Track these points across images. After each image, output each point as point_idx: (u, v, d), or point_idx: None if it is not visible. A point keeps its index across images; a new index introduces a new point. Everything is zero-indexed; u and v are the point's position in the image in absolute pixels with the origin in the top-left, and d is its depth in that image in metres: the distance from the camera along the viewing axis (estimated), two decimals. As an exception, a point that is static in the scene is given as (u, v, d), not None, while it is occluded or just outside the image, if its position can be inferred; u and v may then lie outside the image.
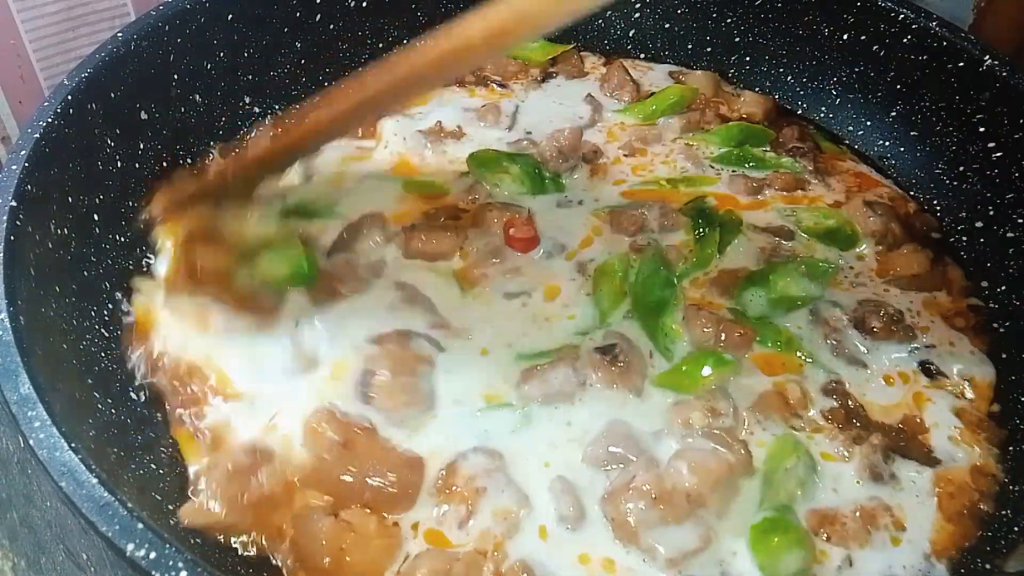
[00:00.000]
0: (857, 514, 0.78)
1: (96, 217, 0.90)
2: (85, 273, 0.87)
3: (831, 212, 1.06)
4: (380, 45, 1.24)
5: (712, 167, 1.12)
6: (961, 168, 1.07)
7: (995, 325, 0.96)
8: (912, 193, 1.12)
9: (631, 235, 1.00)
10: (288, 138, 0.86)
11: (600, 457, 0.80)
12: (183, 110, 1.05)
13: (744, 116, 1.21)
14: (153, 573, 0.57)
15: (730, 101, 1.24)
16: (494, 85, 1.23)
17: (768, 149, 1.16)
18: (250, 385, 0.84)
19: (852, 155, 1.18)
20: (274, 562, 0.74)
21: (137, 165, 0.98)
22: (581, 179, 1.08)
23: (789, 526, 0.75)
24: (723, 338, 0.88)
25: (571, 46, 1.30)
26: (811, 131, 1.20)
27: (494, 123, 1.16)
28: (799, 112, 1.24)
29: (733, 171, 1.12)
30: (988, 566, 0.76)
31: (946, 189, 1.09)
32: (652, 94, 1.22)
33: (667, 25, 1.30)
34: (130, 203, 0.96)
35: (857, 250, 1.03)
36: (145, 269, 0.94)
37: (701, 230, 1.01)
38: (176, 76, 1.03)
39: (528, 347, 0.88)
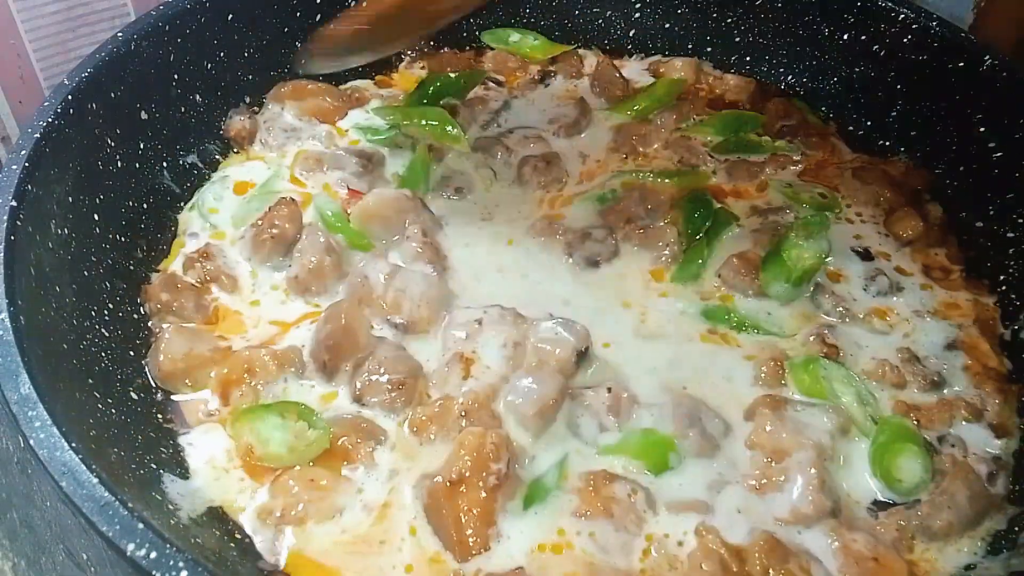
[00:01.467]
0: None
1: (96, 217, 0.90)
2: (85, 273, 0.87)
3: (817, 183, 1.10)
4: (380, 45, 1.24)
5: (711, 157, 1.13)
6: (961, 168, 1.07)
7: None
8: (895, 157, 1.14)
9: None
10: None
11: None
12: (183, 110, 1.05)
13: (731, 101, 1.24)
14: (153, 573, 0.57)
15: (713, 85, 1.26)
16: (490, 82, 1.23)
17: (762, 132, 1.17)
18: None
19: (836, 132, 1.20)
20: (272, 560, 0.74)
21: (137, 165, 0.98)
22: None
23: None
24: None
25: (572, 47, 1.30)
26: (797, 104, 1.22)
27: (473, 117, 1.16)
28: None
29: (733, 158, 1.13)
30: (988, 566, 0.77)
31: (946, 189, 1.09)
32: (640, 90, 1.23)
33: (667, 25, 1.30)
34: (130, 203, 0.96)
35: (842, 212, 1.07)
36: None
37: (695, 222, 1.02)
38: (176, 76, 1.03)
39: None
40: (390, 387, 0.84)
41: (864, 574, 0.74)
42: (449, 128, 1.06)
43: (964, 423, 0.86)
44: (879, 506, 0.81)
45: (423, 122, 1.08)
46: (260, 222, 0.97)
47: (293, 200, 0.98)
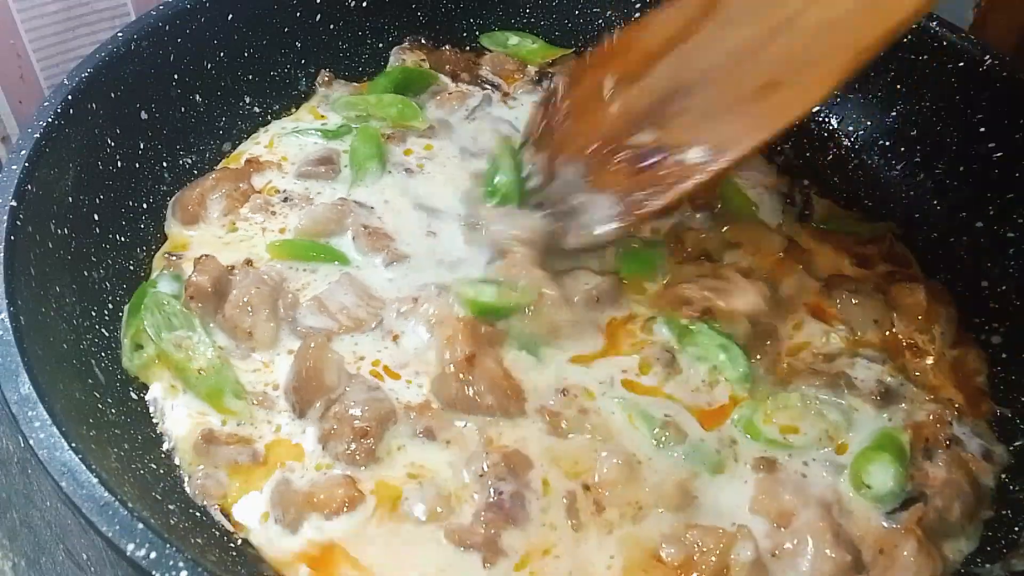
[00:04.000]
0: None
1: (96, 217, 0.90)
2: (85, 273, 0.87)
3: None
4: (380, 45, 1.24)
5: None
6: (961, 168, 1.07)
7: (994, 324, 0.97)
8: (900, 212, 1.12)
9: None
10: None
11: None
12: (183, 110, 1.05)
13: None
14: (153, 573, 0.57)
15: None
16: (484, 83, 1.23)
17: None
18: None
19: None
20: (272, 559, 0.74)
21: (137, 165, 0.98)
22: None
23: None
24: None
25: (571, 50, 1.29)
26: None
27: (448, 112, 1.16)
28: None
29: None
30: (988, 566, 0.77)
31: (947, 189, 1.09)
32: None
33: (667, 25, 1.30)
34: (130, 203, 0.96)
35: None
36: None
37: None
38: (176, 76, 1.03)
39: None
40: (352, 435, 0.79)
41: None
42: (400, 106, 1.10)
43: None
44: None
45: (376, 103, 1.12)
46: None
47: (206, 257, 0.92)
